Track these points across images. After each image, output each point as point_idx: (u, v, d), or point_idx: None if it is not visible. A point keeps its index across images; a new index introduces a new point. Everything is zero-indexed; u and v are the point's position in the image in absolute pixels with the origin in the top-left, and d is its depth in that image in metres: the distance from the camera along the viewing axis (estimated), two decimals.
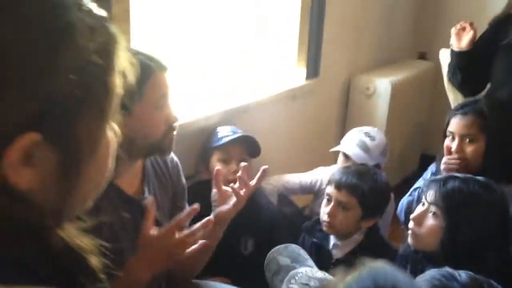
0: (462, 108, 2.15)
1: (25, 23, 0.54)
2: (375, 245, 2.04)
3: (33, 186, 0.57)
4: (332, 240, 2.07)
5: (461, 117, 2.12)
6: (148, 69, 1.42)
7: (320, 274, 1.53)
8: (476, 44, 2.47)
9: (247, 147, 2.19)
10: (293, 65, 2.83)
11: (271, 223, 2.22)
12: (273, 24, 2.75)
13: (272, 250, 1.66)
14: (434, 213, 1.66)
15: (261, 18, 2.71)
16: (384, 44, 3.50)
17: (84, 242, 0.66)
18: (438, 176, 1.79)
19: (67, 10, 0.58)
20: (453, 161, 2.08)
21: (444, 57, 2.76)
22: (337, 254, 2.05)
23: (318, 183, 2.55)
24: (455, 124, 2.12)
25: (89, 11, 0.60)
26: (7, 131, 0.54)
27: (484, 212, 1.63)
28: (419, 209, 1.72)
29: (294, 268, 1.59)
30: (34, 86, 0.54)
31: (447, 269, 1.30)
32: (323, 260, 2.05)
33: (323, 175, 2.56)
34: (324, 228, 2.04)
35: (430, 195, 1.68)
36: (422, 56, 3.69)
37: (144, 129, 1.44)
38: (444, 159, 2.11)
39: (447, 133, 2.15)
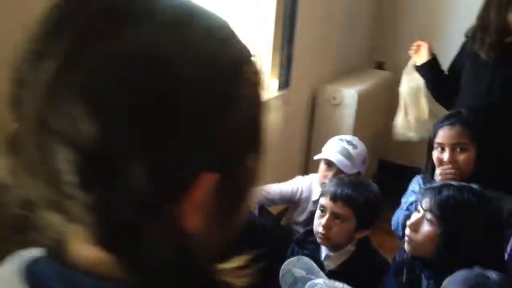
0: (448, 119, 2.23)
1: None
2: (366, 256, 2.09)
3: (200, 227, 0.54)
4: (324, 251, 2.10)
5: (449, 127, 2.20)
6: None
7: (339, 284, 1.56)
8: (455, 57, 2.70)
9: None
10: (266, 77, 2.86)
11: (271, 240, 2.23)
12: (245, 36, 2.76)
13: (286, 262, 1.68)
14: (429, 220, 1.72)
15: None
16: (345, 54, 3.60)
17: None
18: (434, 184, 1.85)
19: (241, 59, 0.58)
20: (448, 170, 2.16)
21: None
22: (329, 265, 2.08)
23: (298, 193, 2.59)
24: (444, 135, 2.20)
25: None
26: (191, 171, 0.52)
27: (478, 219, 1.71)
28: (415, 216, 1.78)
29: (310, 279, 1.61)
30: (214, 128, 0.53)
31: (477, 269, 1.36)
32: None
33: (302, 184, 2.59)
34: (319, 240, 2.07)
35: (426, 202, 1.75)
36: (379, 66, 3.81)
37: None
38: (439, 170, 2.19)
39: (435, 145, 2.23)
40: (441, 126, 2.23)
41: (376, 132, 3.72)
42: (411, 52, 2.75)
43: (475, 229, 1.70)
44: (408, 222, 1.79)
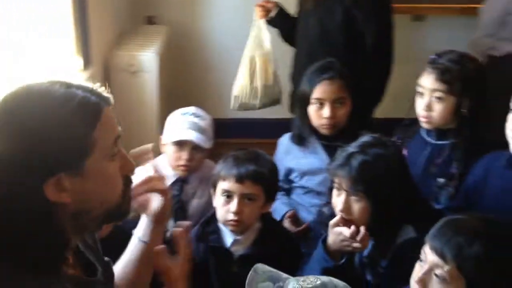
0: (324, 73, 2.20)
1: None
2: (274, 231, 2.00)
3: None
4: (230, 237, 1.95)
5: (329, 82, 2.19)
6: (97, 108, 1.07)
7: (313, 278, 1.46)
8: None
9: None
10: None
11: None
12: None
13: (247, 283, 1.50)
14: (356, 197, 1.72)
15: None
16: (116, 14, 3.25)
17: None
18: (337, 162, 1.78)
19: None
20: (329, 125, 2.20)
21: None
22: (238, 250, 1.95)
23: None
24: (324, 90, 2.18)
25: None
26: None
27: (392, 168, 1.77)
28: (340, 200, 1.75)
29: (281, 287, 1.47)
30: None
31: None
32: (224, 262, 1.94)
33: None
34: (231, 228, 1.91)
35: (344, 182, 1.72)
36: (150, 21, 3.56)
37: (101, 190, 1.10)
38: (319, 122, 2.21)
39: (313, 101, 2.19)
40: (319, 81, 2.20)
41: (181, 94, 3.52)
42: (257, 13, 2.73)
43: (395, 179, 1.77)
44: (339, 208, 1.75)
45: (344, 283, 1.42)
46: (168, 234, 1.48)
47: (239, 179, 1.87)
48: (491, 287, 1.40)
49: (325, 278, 1.43)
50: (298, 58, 2.77)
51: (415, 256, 1.53)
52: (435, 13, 3.92)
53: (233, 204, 1.88)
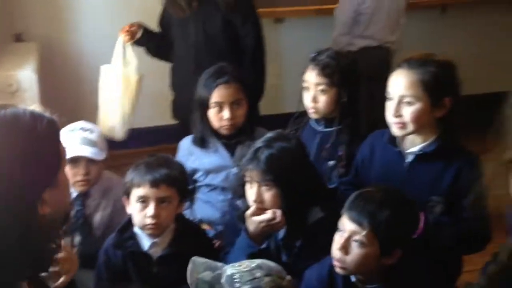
0: (219, 77, 2.31)
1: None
2: (188, 230, 2.07)
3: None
4: (147, 240, 2.01)
5: (226, 86, 2.30)
6: (56, 124, 1.20)
7: (247, 262, 1.59)
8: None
9: None
10: None
11: None
12: None
13: (188, 276, 1.59)
14: (266, 187, 1.88)
15: None
16: None
17: None
18: (246, 157, 1.93)
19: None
20: (229, 126, 2.36)
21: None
22: (157, 252, 2.01)
23: None
24: (222, 94, 2.30)
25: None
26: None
27: (296, 158, 1.97)
28: (252, 192, 1.90)
29: (220, 274, 1.58)
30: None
31: None
32: (144, 265, 2.00)
33: None
34: (150, 232, 1.96)
35: (254, 174, 1.88)
36: (18, 38, 3.43)
37: (66, 198, 1.26)
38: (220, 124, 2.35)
39: (212, 104, 2.30)
40: (216, 86, 2.30)
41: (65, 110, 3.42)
42: (122, 37, 2.79)
43: (299, 167, 1.96)
44: (252, 199, 1.90)
45: (274, 263, 1.57)
46: None
47: (154, 184, 1.93)
48: (399, 244, 1.63)
49: (258, 261, 1.57)
50: (182, 66, 2.90)
51: (326, 233, 1.73)
52: (293, 15, 4.23)
53: (150, 209, 1.93)
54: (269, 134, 1.98)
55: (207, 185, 2.44)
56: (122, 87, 2.78)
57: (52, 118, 1.18)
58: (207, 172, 2.42)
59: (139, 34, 2.83)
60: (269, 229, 1.90)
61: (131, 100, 2.80)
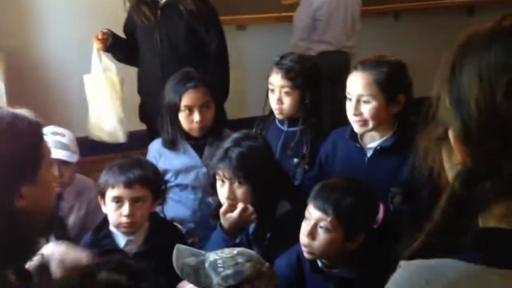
0: (188, 82, 2.40)
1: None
2: (161, 227, 2.16)
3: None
4: (123, 238, 2.09)
5: (195, 90, 2.40)
6: (38, 123, 1.31)
7: (229, 250, 1.69)
8: None
9: None
10: None
11: None
12: None
13: (174, 261, 1.68)
14: (237, 184, 1.99)
15: None
16: None
17: None
18: (217, 157, 2.04)
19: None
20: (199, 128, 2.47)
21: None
22: (132, 249, 2.08)
23: None
24: (192, 98, 2.39)
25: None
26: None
27: (263, 156, 2.09)
28: (224, 190, 2.00)
29: (204, 260, 1.67)
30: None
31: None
32: None
33: None
34: (125, 230, 2.04)
35: (226, 172, 1.98)
36: None
37: (48, 196, 1.34)
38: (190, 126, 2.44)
39: (182, 108, 2.39)
40: (186, 90, 2.39)
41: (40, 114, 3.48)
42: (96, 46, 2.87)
43: (267, 164, 2.08)
44: (225, 197, 2.00)
45: (254, 252, 1.67)
46: None
47: (128, 185, 2.00)
48: (361, 228, 1.77)
49: (238, 248, 1.67)
50: (149, 72, 3.02)
51: (293, 224, 1.85)
52: (254, 22, 4.37)
53: (125, 208, 2.01)
54: (237, 135, 2.09)
55: (177, 185, 2.52)
56: (108, 92, 2.87)
57: (36, 119, 1.27)
58: (177, 173, 2.51)
59: (109, 41, 2.92)
60: (242, 223, 2.00)
61: (121, 102, 2.89)
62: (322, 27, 3.79)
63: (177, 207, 2.50)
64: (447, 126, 0.76)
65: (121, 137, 2.95)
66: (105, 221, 2.10)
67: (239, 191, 2.00)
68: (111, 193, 2.03)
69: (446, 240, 0.75)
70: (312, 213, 1.76)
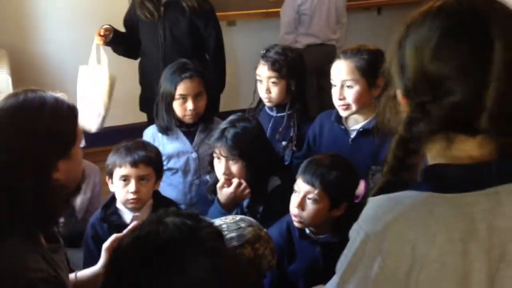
0: (183, 72, 2.57)
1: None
2: (164, 204, 2.23)
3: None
4: (128, 214, 2.26)
5: (190, 80, 2.56)
6: (75, 110, 1.46)
7: (232, 216, 1.87)
8: None
9: None
10: None
11: None
12: None
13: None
14: (233, 161, 2.18)
15: None
16: None
17: None
18: (214, 137, 2.24)
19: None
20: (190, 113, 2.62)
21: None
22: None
23: None
24: (187, 87, 2.55)
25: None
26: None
27: (256, 135, 2.28)
28: (220, 167, 2.20)
29: None
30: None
31: None
32: None
33: None
34: (132, 206, 2.22)
35: (223, 150, 2.17)
36: None
37: (77, 170, 1.48)
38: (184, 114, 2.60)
39: (177, 96, 2.55)
40: (181, 80, 2.55)
41: None
42: (98, 40, 3.01)
43: (259, 143, 2.29)
44: (222, 173, 2.19)
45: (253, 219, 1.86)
46: None
47: (134, 164, 2.19)
48: (345, 198, 1.98)
49: (241, 216, 1.85)
50: (151, 64, 3.21)
51: (283, 197, 2.06)
52: (244, 18, 4.57)
53: (131, 186, 2.19)
54: (233, 117, 2.29)
55: (169, 169, 2.68)
56: (100, 84, 3.02)
57: (72, 103, 1.44)
58: (170, 157, 2.67)
59: (110, 37, 3.10)
60: (237, 198, 2.20)
61: (108, 96, 3.04)
62: (307, 21, 3.96)
63: (168, 190, 2.63)
64: (395, 87, 0.99)
65: (96, 128, 3.07)
66: (112, 199, 2.28)
67: (234, 167, 2.20)
68: (118, 172, 2.21)
69: (400, 177, 0.97)
70: (301, 186, 1.96)
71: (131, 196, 2.21)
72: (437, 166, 0.98)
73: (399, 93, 1.01)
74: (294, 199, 1.98)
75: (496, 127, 0.91)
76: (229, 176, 2.21)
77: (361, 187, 2.13)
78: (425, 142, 0.97)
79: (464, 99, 0.92)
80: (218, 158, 2.23)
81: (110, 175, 2.26)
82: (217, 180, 2.26)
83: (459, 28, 0.93)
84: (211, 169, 2.32)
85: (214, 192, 2.26)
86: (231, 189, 2.19)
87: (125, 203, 2.24)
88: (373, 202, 0.99)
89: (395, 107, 1.02)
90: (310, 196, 1.95)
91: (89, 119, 3.00)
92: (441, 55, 0.93)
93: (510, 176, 0.94)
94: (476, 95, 0.91)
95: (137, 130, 2.94)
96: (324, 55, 3.80)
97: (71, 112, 1.42)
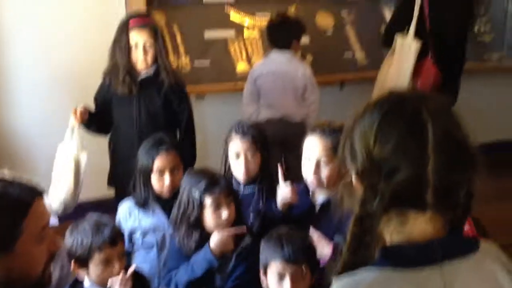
0: (160, 145, 2.67)
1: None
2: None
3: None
4: None
5: (166, 153, 2.66)
6: (26, 199, 1.37)
7: None
8: None
9: None
10: None
11: None
12: None
13: None
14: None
15: None
16: None
17: None
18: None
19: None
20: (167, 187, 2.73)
21: None
22: None
23: None
24: (163, 161, 2.64)
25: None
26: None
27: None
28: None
29: None
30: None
31: None
32: None
33: None
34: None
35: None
36: None
37: (25, 267, 1.36)
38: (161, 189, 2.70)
39: (154, 171, 2.66)
40: (158, 153, 2.62)
41: None
42: (73, 119, 3.11)
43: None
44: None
45: None
46: None
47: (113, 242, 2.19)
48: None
49: None
50: (125, 139, 3.29)
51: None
52: (213, 91, 4.74)
53: (116, 268, 2.18)
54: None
55: (144, 246, 2.68)
56: (71, 165, 3.10)
57: (26, 196, 1.36)
58: (145, 233, 2.67)
59: (86, 116, 3.17)
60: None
61: (79, 177, 3.12)
62: (265, 95, 4.01)
63: (144, 266, 2.53)
64: (350, 172, 1.12)
65: (69, 208, 3.14)
66: (76, 281, 2.26)
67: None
68: (99, 256, 2.15)
69: (360, 255, 1.08)
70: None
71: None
72: (393, 247, 1.08)
73: (353, 177, 1.12)
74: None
75: (441, 201, 1.02)
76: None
77: (328, 249, 2.23)
78: (380, 220, 1.07)
79: (409, 176, 1.03)
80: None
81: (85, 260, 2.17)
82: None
83: (395, 112, 1.08)
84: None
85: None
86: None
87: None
88: (337, 285, 1.08)
89: (351, 191, 1.14)
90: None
91: (64, 200, 3.06)
92: (382, 137, 1.06)
93: (456, 250, 1.05)
94: (419, 171, 1.02)
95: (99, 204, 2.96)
96: (284, 130, 3.87)
97: (16, 205, 1.34)
